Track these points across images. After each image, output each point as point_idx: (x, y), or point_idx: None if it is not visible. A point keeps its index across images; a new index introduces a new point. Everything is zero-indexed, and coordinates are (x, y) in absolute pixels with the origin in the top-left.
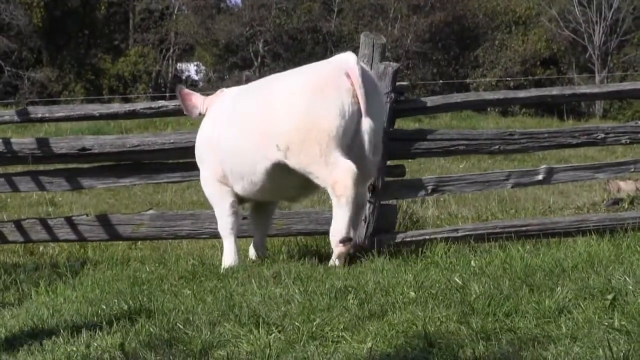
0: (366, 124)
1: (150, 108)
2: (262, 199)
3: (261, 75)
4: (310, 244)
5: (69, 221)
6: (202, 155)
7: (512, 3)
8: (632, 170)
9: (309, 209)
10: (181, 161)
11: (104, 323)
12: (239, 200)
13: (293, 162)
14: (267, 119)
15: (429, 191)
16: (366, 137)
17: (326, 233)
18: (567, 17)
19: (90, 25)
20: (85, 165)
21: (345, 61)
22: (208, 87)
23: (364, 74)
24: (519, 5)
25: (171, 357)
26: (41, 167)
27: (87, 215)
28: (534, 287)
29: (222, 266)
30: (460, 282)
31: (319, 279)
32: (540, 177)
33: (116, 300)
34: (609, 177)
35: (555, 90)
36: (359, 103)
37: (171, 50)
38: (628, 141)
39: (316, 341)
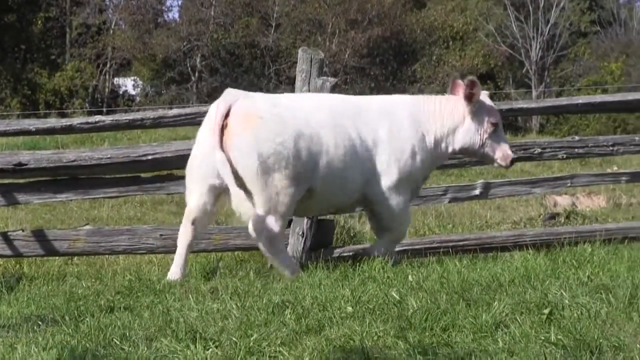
0: (215, 156)
1: (87, 123)
2: None
3: (198, 91)
4: (248, 259)
5: (5, 236)
6: None
7: (449, 18)
8: (569, 185)
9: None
10: (118, 176)
11: (40, 339)
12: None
13: None
14: None
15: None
16: (219, 170)
17: None
18: (505, 32)
19: (26, 40)
20: (22, 181)
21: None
22: (145, 101)
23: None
24: (456, 20)
25: None
26: None
27: (22, 230)
28: (471, 302)
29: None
30: (397, 297)
31: (257, 294)
32: (477, 192)
33: (52, 316)
34: (546, 192)
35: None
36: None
37: (108, 65)
38: (565, 156)
39: (253, 356)
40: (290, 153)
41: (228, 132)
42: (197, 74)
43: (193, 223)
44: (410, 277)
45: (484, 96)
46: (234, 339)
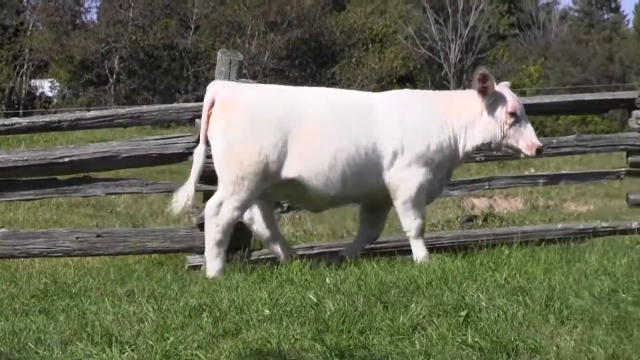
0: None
1: (4, 125)
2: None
3: (116, 93)
4: (165, 262)
5: None
6: None
7: (369, 21)
8: (487, 187)
9: (165, 227)
10: (34, 179)
11: None
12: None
13: None
14: None
15: (285, 208)
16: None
17: (181, 250)
18: (424, 35)
19: None
20: None
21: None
22: (62, 103)
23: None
24: (375, 23)
25: None
26: None
27: None
28: (389, 304)
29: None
30: (315, 300)
31: (174, 297)
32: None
33: None
34: (464, 195)
35: None
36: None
37: (25, 67)
38: (482, 158)
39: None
40: (262, 141)
41: (210, 120)
42: (115, 76)
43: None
44: (327, 279)
45: (502, 87)
46: (150, 342)
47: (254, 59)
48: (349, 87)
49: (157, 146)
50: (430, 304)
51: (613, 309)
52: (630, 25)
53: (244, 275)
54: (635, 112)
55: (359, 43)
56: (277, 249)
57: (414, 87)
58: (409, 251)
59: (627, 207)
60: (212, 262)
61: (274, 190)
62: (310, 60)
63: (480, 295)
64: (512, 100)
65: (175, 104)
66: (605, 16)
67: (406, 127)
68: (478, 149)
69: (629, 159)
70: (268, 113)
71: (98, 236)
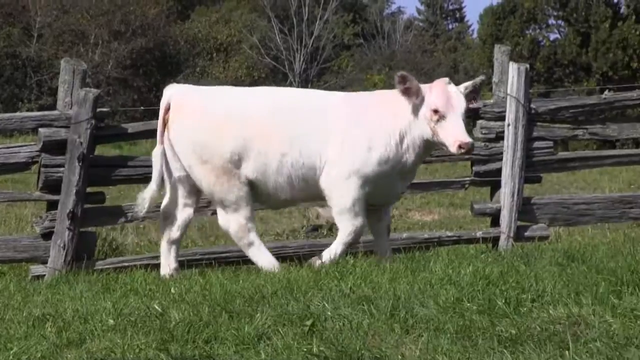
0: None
1: None
2: None
3: None
4: (8, 272)
5: None
6: None
7: (213, 30)
8: None
9: (7, 237)
10: None
11: None
12: None
13: None
14: None
15: (129, 218)
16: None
17: (24, 260)
18: (269, 44)
19: None
20: None
21: None
22: None
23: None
24: (220, 32)
25: None
26: None
27: None
28: (234, 314)
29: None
30: (159, 309)
31: (17, 307)
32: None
33: None
34: (309, 204)
35: None
36: None
37: None
38: None
39: None
40: (214, 143)
41: (168, 124)
42: None
43: None
44: (172, 289)
45: (435, 83)
46: None
47: (98, 68)
48: None
49: None
50: (275, 313)
51: (458, 318)
52: (475, 35)
53: (88, 285)
54: (479, 122)
55: (204, 52)
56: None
57: None
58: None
59: (472, 217)
60: (258, 261)
61: None
62: (155, 70)
63: (326, 305)
64: (434, 97)
65: (18, 113)
66: (450, 26)
67: (349, 135)
68: (428, 148)
69: (474, 168)
70: (220, 115)
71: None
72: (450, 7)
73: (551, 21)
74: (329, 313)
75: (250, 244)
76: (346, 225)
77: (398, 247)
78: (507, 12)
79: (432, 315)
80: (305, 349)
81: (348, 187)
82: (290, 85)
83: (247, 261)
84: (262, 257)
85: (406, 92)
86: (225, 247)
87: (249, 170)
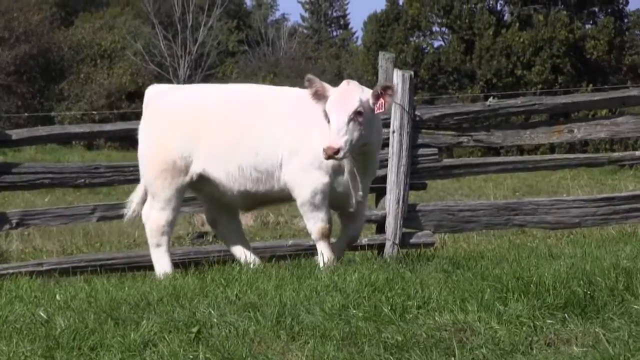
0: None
1: None
2: None
3: None
4: None
5: None
6: None
7: (97, 37)
8: None
9: None
10: None
11: None
12: None
13: None
14: None
15: (14, 225)
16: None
17: None
18: (153, 51)
19: None
20: None
21: None
22: None
23: None
24: (104, 38)
25: None
26: None
27: None
28: (120, 321)
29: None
30: (45, 316)
31: None
32: (126, 210)
33: None
34: (194, 211)
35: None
36: None
37: None
38: None
39: None
40: (165, 139)
41: None
42: None
43: None
44: (58, 296)
45: (344, 84)
46: None
47: None
48: (77, 102)
49: None
50: (161, 320)
51: (344, 324)
52: (360, 42)
53: None
54: None
55: (88, 59)
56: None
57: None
58: (139, 267)
59: None
60: (156, 265)
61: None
62: (39, 76)
63: (212, 312)
64: (328, 100)
65: None
66: (335, 33)
67: (299, 128)
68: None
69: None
70: (172, 111)
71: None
72: (335, 14)
73: (435, 28)
74: (215, 320)
75: (158, 246)
76: (311, 225)
77: (284, 254)
78: (391, 19)
79: (318, 322)
80: (191, 356)
81: (304, 177)
82: None
83: (133, 268)
84: (161, 263)
85: (314, 95)
86: (111, 254)
87: (198, 165)
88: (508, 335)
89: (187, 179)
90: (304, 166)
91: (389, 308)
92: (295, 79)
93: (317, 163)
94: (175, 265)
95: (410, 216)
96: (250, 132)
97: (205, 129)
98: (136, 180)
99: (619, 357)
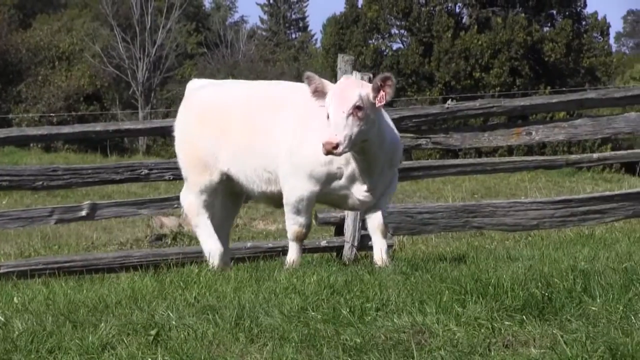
0: None
1: None
2: None
3: None
4: None
5: None
6: None
7: (55, 39)
8: (176, 206)
9: None
10: None
11: None
12: None
13: None
14: None
15: None
16: None
17: None
18: (111, 53)
19: None
20: None
21: None
22: None
23: None
24: (62, 40)
25: None
26: None
27: None
28: (78, 324)
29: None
30: (2, 319)
31: None
32: (84, 212)
33: None
34: (153, 213)
35: (99, 126)
36: None
37: None
38: (171, 177)
39: None
40: (194, 137)
41: None
42: None
43: None
44: (15, 299)
45: (342, 80)
46: None
47: None
48: (35, 105)
49: None
50: (119, 323)
51: (303, 326)
52: (319, 44)
53: None
54: None
55: (46, 61)
56: None
57: (102, 105)
58: (97, 270)
59: (316, 226)
60: (203, 246)
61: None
62: None
63: (170, 314)
64: (327, 95)
65: None
66: (294, 35)
67: (299, 132)
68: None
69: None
70: (202, 106)
71: None
72: (294, 17)
73: (394, 31)
74: (174, 322)
75: (197, 226)
76: (288, 225)
77: (242, 256)
78: (350, 22)
79: (277, 324)
80: (150, 359)
81: (292, 182)
82: (134, 94)
83: (91, 270)
84: (204, 240)
85: (315, 93)
86: (69, 257)
87: (224, 165)
88: (466, 337)
89: (216, 178)
90: (296, 171)
91: (348, 310)
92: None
93: (308, 170)
94: (134, 267)
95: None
96: (262, 132)
97: (228, 128)
98: (94, 183)
99: (576, 358)
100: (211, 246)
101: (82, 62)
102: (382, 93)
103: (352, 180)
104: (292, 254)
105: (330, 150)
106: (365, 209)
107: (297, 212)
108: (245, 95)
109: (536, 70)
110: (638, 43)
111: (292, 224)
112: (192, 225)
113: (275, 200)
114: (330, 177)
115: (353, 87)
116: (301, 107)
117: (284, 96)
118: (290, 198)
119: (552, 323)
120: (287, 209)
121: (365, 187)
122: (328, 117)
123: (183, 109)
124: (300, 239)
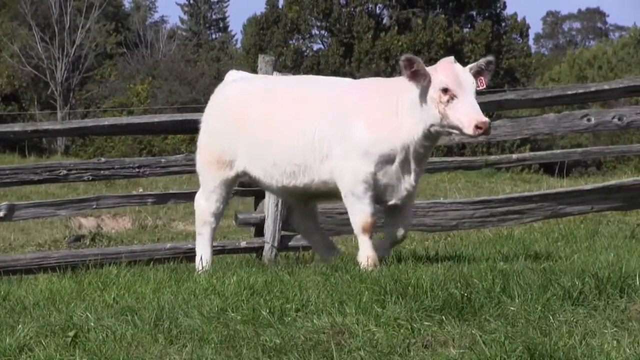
0: None
1: None
2: None
3: None
4: None
5: None
6: None
7: None
8: (94, 207)
9: None
10: None
11: None
12: None
13: None
14: None
15: None
16: None
17: None
18: (30, 53)
19: None
20: None
21: None
22: None
23: None
24: None
25: None
26: None
27: None
28: None
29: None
30: None
31: None
32: (1, 214)
33: None
34: (71, 214)
35: (17, 127)
36: None
37: None
38: (90, 178)
39: None
40: (214, 131)
41: None
42: None
43: None
44: None
45: (441, 63)
46: None
47: None
48: None
49: None
50: (37, 324)
51: (222, 327)
52: (239, 45)
53: None
54: None
55: None
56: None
57: (20, 106)
58: (14, 271)
59: (236, 227)
60: (198, 253)
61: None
62: None
63: (89, 315)
64: (442, 76)
65: None
66: (214, 36)
67: (341, 118)
68: (430, 136)
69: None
70: (227, 102)
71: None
72: (214, 17)
73: (315, 31)
74: (92, 324)
75: (199, 234)
76: (352, 218)
77: (162, 257)
78: (271, 22)
79: (197, 325)
80: None
81: (347, 165)
82: (52, 94)
83: (8, 271)
84: (200, 251)
85: (412, 76)
86: None
87: (241, 163)
88: (386, 337)
89: (232, 174)
90: (346, 154)
91: (268, 311)
92: (173, 82)
93: (361, 150)
94: (52, 268)
95: (289, 219)
96: (286, 126)
97: (246, 125)
98: (12, 183)
99: (495, 358)
100: (204, 255)
101: (0, 62)
102: (481, 78)
103: (403, 167)
104: (365, 249)
105: (488, 128)
106: (401, 202)
107: (357, 199)
108: (267, 89)
109: None
110: (557, 44)
111: (356, 212)
112: (196, 230)
113: (297, 193)
114: (384, 158)
115: (468, 71)
116: (330, 98)
117: (307, 90)
118: (346, 185)
119: (471, 323)
120: (347, 200)
121: (413, 177)
122: (449, 95)
123: (210, 101)
124: (367, 229)
